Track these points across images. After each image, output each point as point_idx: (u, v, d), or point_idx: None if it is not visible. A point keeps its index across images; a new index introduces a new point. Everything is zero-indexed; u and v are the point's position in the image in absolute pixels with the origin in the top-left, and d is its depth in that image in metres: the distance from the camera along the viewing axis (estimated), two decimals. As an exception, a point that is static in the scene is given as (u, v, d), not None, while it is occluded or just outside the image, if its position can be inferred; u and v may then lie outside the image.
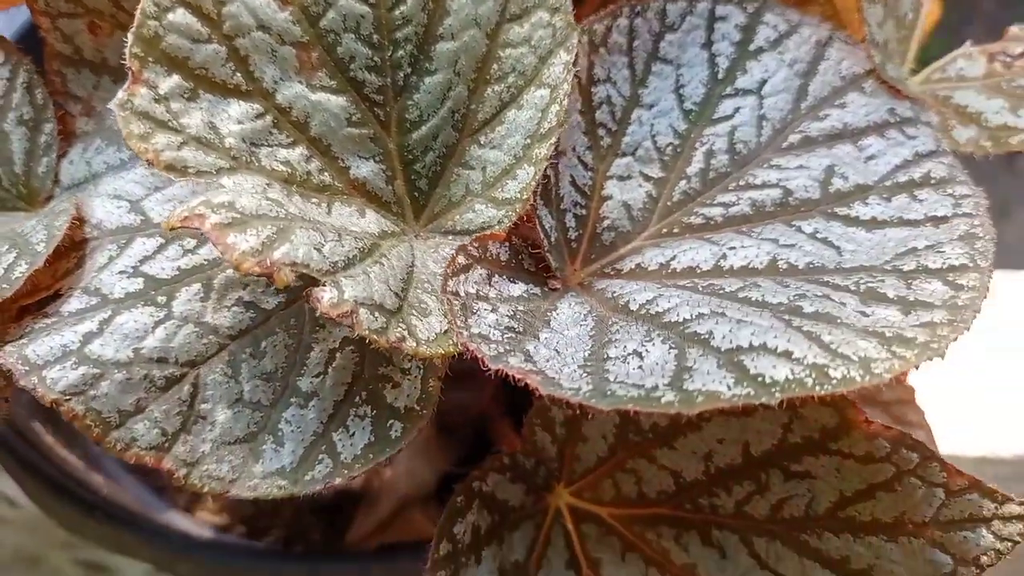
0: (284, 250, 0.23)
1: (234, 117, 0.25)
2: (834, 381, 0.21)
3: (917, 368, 0.21)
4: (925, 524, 0.26)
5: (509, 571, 0.29)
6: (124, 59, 0.28)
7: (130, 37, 0.24)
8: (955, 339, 0.22)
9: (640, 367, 0.23)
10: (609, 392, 0.22)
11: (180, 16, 0.25)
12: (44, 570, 0.70)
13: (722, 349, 0.22)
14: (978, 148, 0.31)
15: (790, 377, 0.21)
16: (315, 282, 0.23)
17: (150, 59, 0.24)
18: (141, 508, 0.40)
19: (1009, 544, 0.25)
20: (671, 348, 0.23)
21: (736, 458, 0.28)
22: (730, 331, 0.23)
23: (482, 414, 0.45)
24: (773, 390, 0.21)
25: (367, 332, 0.23)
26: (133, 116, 0.23)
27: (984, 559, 0.25)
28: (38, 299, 0.27)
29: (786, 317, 0.23)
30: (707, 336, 0.23)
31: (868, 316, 0.23)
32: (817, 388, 0.20)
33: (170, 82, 0.24)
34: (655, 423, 0.29)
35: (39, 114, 0.31)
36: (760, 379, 0.21)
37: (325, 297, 0.23)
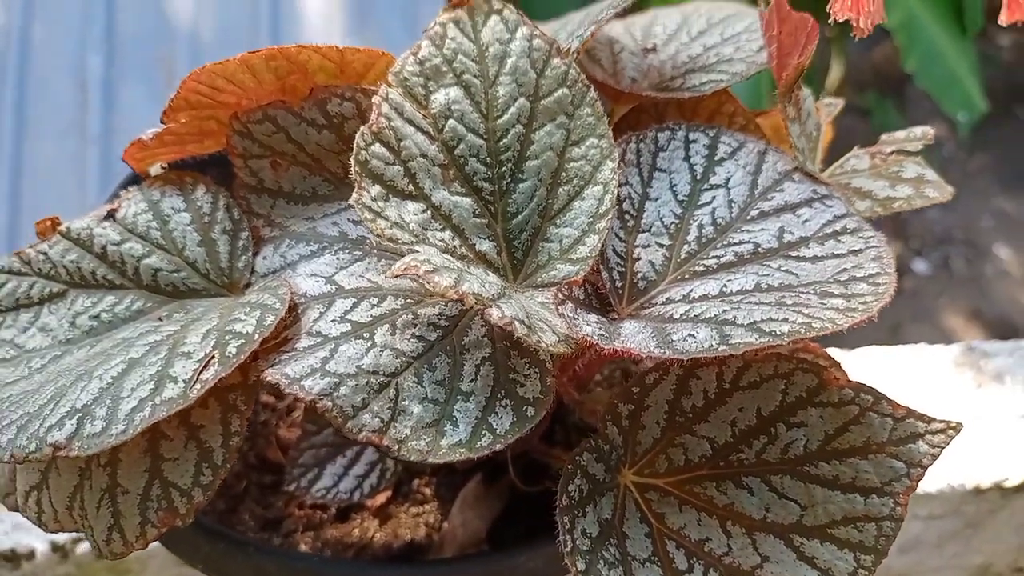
0: (466, 287, 0.36)
1: (411, 211, 0.39)
2: (815, 329, 0.35)
3: (863, 323, 0.35)
4: (883, 443, 0.39)
5: (603, 525, 0.41)
6: (298, 186, 0.41)
7: (352, 161, 0.38)
8: (876, 307, 0.36)
9: (695, 339, 0.36)
10: (684, 350, 0.35)
11: (377, 149, 0.39)
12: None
13: (745, 324, 0.36)
14: (872, 213, 0.47)
15: (790, 330, 0.35)
16: (484, 307, 0.36)
17: (363, 175, 0.38)
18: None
19: (938, 449, 0.39)
20: (712, 328, 0.37)
21: (752, 420, 0.41)
22: (747, 316, 0.37)
23: (526, 453, 0.56)
24: (783, 337, 0.34)
25: (523, 336, 0.36)
26: (362, 208, 0.37)
27: (925, 461, 0.39)
28: (269, 345, 0.39)
29: (778, 306, 0.37)
30: (733, 320, 0.37)
31: (826, 303, 0.38)
32: (807, 333, 0.34)
33: (374, 190, 0.38)
34: (694, 404, 0.42)
35: (236, 225, 0.43)
36: (773, 333, 0.35)
37: (496, 314, 0.36)
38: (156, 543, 0.58)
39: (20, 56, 1.59)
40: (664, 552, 0.41)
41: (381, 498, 0.62)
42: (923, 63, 1.74)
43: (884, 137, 0.51)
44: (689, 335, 0.37)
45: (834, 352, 0.94)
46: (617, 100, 0.55)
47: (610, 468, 0.43)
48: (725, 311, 0.38)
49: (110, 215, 0.44)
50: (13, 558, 0.77)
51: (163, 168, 0.47)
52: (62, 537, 0.77)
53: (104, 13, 1.63)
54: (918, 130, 0.51)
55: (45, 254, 0.44)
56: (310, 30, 1.63)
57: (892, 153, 0.50)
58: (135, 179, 0.56)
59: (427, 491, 0.63)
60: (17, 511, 0.45)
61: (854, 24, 0.30)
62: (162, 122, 0.42)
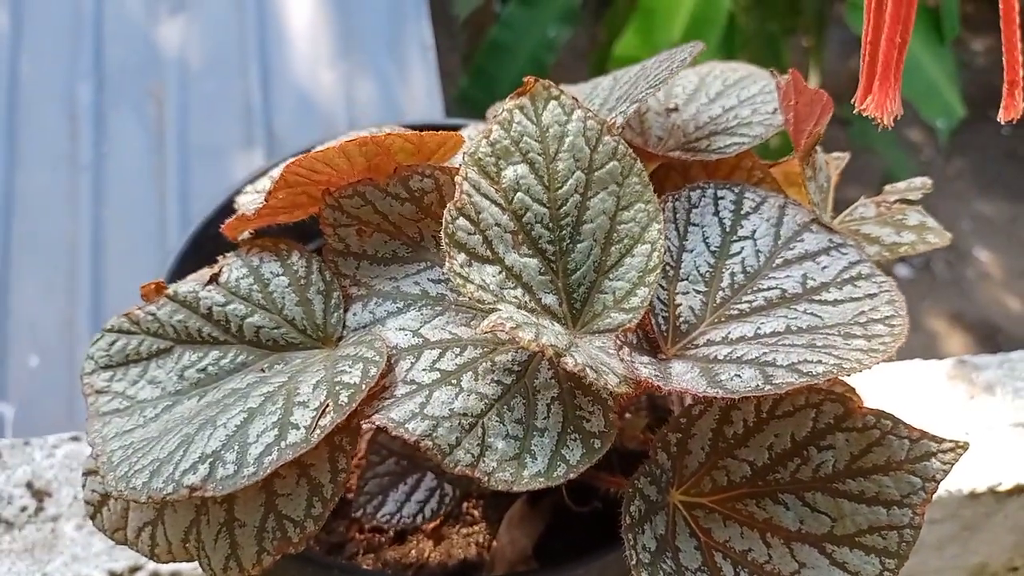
0: (544, 340, 0.42)
1: (489, 274, 0.45)
2: (845, 369, 0.41)
3: (879, 362, 0.42)
4: (902, 462, 0.46)
5: (659, 540, 0.47)
6: (380, 250, 0.47)
7: (443, 235, 0.44)
8: (895, 347, 0.43)
9: (741, 379, 0.42)
10: (734, 390, 0.41)
11: (461, 222, 0.45)
12: None
13: (785, 365, 0.42)
14: (881, 257, 0.54)
15: (824, 371, 0.41)
16: (559, 356, 0.42)
17: (451, 245, 0.44)
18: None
19: (949, 466, 0.45)
20: (756, 369, 0.43)
21: (787, 444, 0.47)
22: (785, 357, 0.43)
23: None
24: (819, 377, 0.41)
25: (593, 379, 0.42)
26: (453, 276, 0.43)
27: (938, 476, 0.45)
28: (370, 393, 0.44)
29: (810, 348, 0.44)
30: (773, 361, 0.43)
31: (850, 343, 0.44)
32: (838, 373, 0.41)
33: (460, 257, 0.44)
34: (735, 432, 0.48)
35: (328, 287, 0.49)
36: (811, 373, 0.41)
37: (570, 362, 0.42)
38: None
39: (9, 87, 1.62)
40: (712, 563, 0.47)
41: (435, 521, 0.67)
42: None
43: (887, 188, 0.58)
44: (736, 375, 0.43)
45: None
46: (646, 158, 0.61)
47: (661, 490, 0.49)
48: (764, 353, 0.44)
49: (213, 279, 0.50)
50: (74, 588, 0.82)
51: (250, 235, 0.53)
52: (119, 566, 0.82)
53: (92, 44, 1.66)
54: (917, 181, 0.57)
55: (153, 315, 0.50)
56: (297, 56, 1.68)
57: (896, 202, 0.56)
58: (202, 237, 0.61)
59: (476, 513, 0.69)
60: (125, 544, 0.50)
61: (878, 120, 0.36)
62: (266, 200, 0.47)
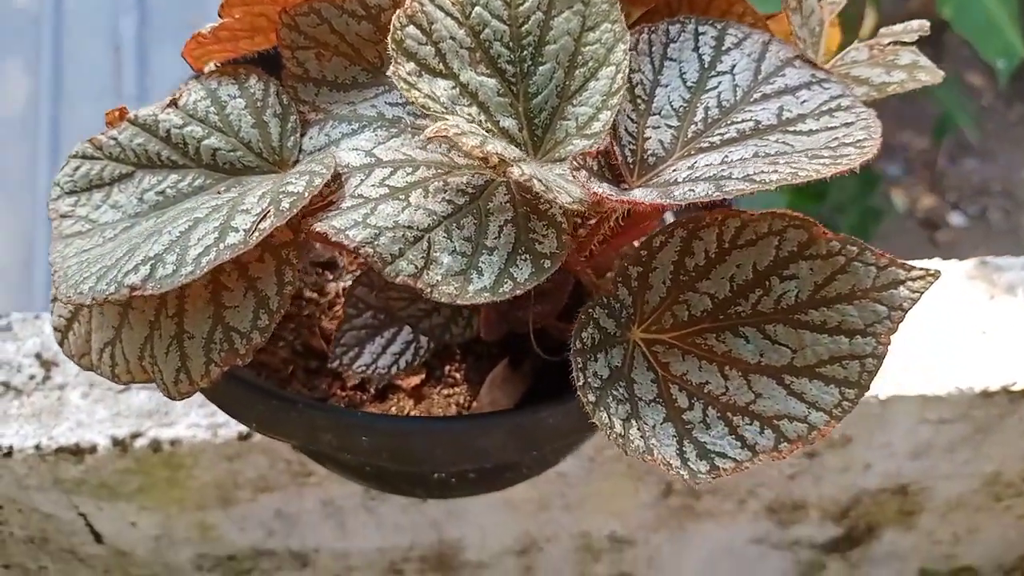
0: (490, 147, 0.40)
1: (441, 87, 0.44)
2: (801, 176, 0.39)
3: (838, 171, 0.39)
4: (867, 290, 0.44)
5: (613, 370, 0.46)
6: (340, 75, 0.46)
7: (389, 39, 0.43)
8: (859, 162, 0.40)
9: (694, 192, 0.41)
10: (681, 198, 0.39)
11: (411, 30, 0.43)
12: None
13: (740, 176, 0.40)
14: (869, 97, 0.51)
15: (778, 178, 0.39)
16: (507, 166, 0.41)
17: (399, 52, 0.43)
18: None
19: (918, 295, 0.43)
20: (710, 182, 0.41)
21: (749, 275, 0.45)
22: (740, 171, 0.41)
23: (546, 330, 0.61)
24: (771, 184, 0.39)
25: (541, 192, 0.41)
26: (398, 79, 0.42)
27: (905, 304, 0.43)
28: (316, 208, 0.44)
29: (769, 164, 0.42)
30: (728, 175, 0.41)
31: (813, 161, 0.42)
32: (792, 180, 0.39)
33: (409, 66, 0.43)
34: (696, 264, 0.46)
35: (285, 110, 0.48)
36: (763, 181, 0.39)
37: (516, 172, 0.40)
38: (224, 430, 0.62)
39: (55, 23, 1.63)
40: (668, 394, 0.46)
41: (415, 380, 0.67)
42: (960, 9, 1.72)
43: (883, 30, 0.55)
44: (689, 190, 0.41)
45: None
46: (633, 3, 0.58)
47: (620, 325, 0.48)
48: (723, 171, 0.42)
49: (173, 103, 0.49)
50: (77, 452, 0.84)
51: (217, 65, 0.52)
52: (121, 432, 0.84)
53: None
54: (915, 23, 0.54)
55: (115, 139, 0.50)
56: None
57: (889, 44, 0.53)
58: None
59: (458, 376, 0.68)
60: (92, 370, 0.51)
61: None
62: (219, 15, 0.46)
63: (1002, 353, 0.91)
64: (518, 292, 0.42)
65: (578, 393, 0.43)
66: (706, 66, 0.51)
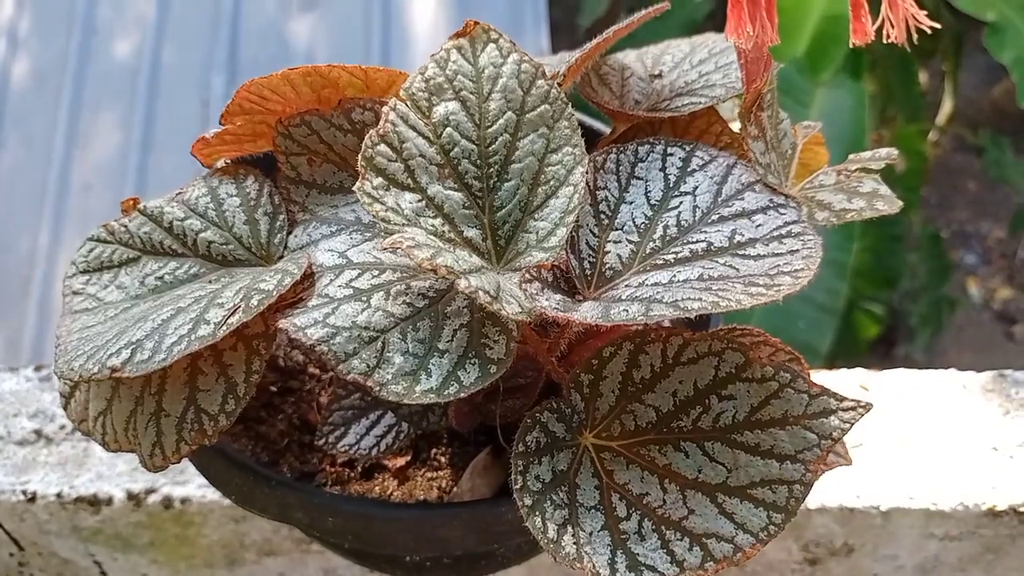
0: (440, 260, 0.44)
1: (407, 200, 0.47)
2: (721, 307, 0.41)
3: (758, 304, 0.41)
4: (799, 416, 0.45)
5: (557, 474, 0.48)
6: (328, 180, 0.50)
7: (360, 156, 0.47)
8: (783, 295, 0.42)
9: (628, 312, 0.43)
10: (613, 318, 0.42)
11: (382, 148, 0.47)
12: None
13: (667, 301, 0.43)
14: (828, 222, 0.53)
15: (700, 307, 0.41)
16: (456, 278, 0.44)
17: (368, 168, 0.47)
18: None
19: (848, 425, 0.44)
20: (642, 304, 0.43)
21: (690, 391, 0.47)
22: (672, 296, 0.43)
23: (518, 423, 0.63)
24: (691, 312, 0.41)
25: (486, 303, 0.44)
26: (362, 195, 0.46)
27: (835, 434, 0.44)
28: (287, 303, 0.47)
29: (703, 290, 0.44)
30: (660, 298, 0.43)
31: (748, 290, 0.44)
32: (713, 310, 0.41)
33: (376, 181, 0.47)
34: (643, 376, 0.49)
35: (276, 209, 0.53)
36: (685, 308, 0.41)
37: (463, 284, 0.44)
38: (212, 493, 0.66)
39: (151, 76, 1.76)
40: (609, 502, 0.48)
41: (401, 461, 0.70)
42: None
43: (851, 156, 0.57)
44: (624, 309, 0.44)
45: (861, 373, 0.98)
46: (618, 119, 0.62)
47: (571, 429, 0.50)
48: (659, 293, 0.45)
49: (177, 196, 0.54)
50: (95, 503, 0.89)
51: (226, 163, 0.57)
52: (137, 487, 0.89)
53: (229, 38, 1.79)
54: (883, 151, 0.56)
55: (125, 227, 0.55)
56: (418, 56, 1.76)
57: (856, 170, 0.55)
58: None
59: (443, 459, 0.71)
60: (89, 435, 0.55)
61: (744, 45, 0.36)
62: (220, 123, 0.52)
63: (1012, 472, 0.89)
64: (462, 395, 0.45)
65: (514, 496, 0.45)
66: (671, 185, 0.54)
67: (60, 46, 1.78)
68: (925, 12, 0.43)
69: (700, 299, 0.42)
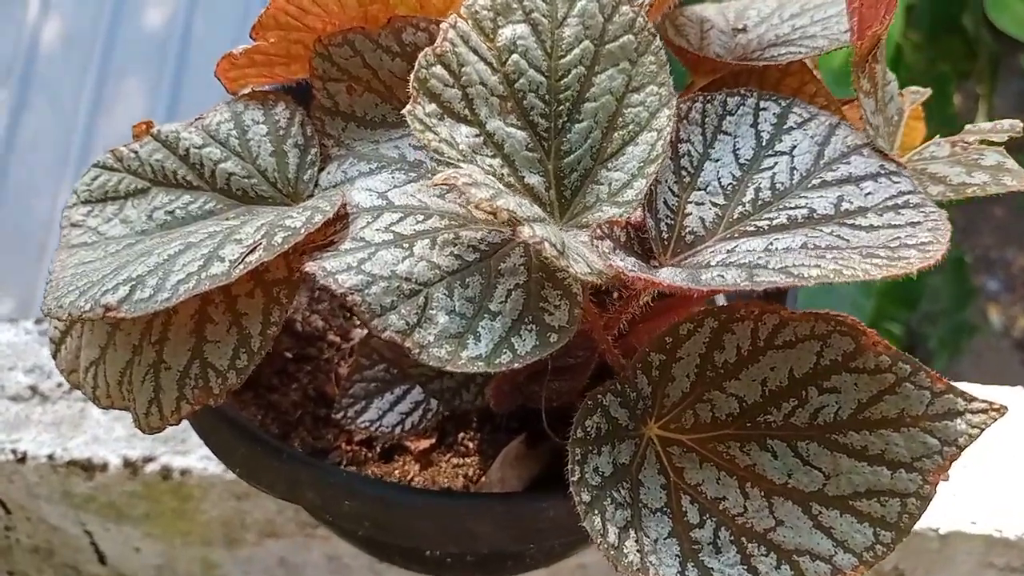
0: (501, 202, 0.37)
1: (463, 134, 0.40)
2: (845, 275, 0.34)
3: (890, 275, 0.34)
4: (918, 417, 0.38)
5: (618, 468, 0.41)
6: (369, 112, 0.43)
7: (412, 77, 0.40)
8: (918, 267, 0.35)
9: (724, 279, 0.36)
10: (708, 283, 0.35)
11: (438, 70, 0.40)
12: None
13: (776, 267, 0.35)
14: (944, 197, 0.45)
15: (819, 274, 0.34)
16: (518, 224, 0.37)
17: (421, 91, 0.40)
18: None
19: (977, 430, 0.37)
20: (743, 269, 0.36)
21: (783, 380, 0.40)
22: (779, 261, 0.36)
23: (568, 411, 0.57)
24: (809, 280, 0.34)
25: (551, 256, 0.36)
26: (413, 120, 0.38)
27: (961, 440, 0.37)
28: (316, 246, 0.40)
29: (813, 257, 0.37)
30: (765, 264, 0.36)
31: (867, 261, 0.37)
32: (835, 279, 0.33)
33: (430, 107, 0.40)
34: (726, 360, 0.41)
35: (307, 142, 0.46)
36: (800, 275, 0.34)
37: (527, 232, 0.36)
38: (212, 469, 0.59)
39: (181, 45, 1.71)
40: (678, 505, 0.40)
41: (425, 444, 0.63)
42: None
43: (968, 127, 0.49)
44: (719, 275, 0.36)
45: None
46: (697, 71, 0.55)
47: (635, 417, 0.43)
48: (760, 259, 0.37)
49: (196, 122, 0.47)
50: (89, 468, 0.83)
51: (254, 90, 0.50)
52: (134, 454, 0.82)
53: (261, 7, 1.74)
54: (1006, 123, 0.49)
55: (136, 152, 0.48)
56: None
57: (975, 142, 0.48)
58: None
59: (471, 445, 0.64)
60: (79, 388, 0.48)
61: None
62: (252, 38, 0.45)
63: (1089, 502, 0.81)
64: (516, 365, 0.38)
65: (571, 490, 0.38)
66: (763, 144, 0.46)
67: (93, 9, 1.73)
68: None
69: (819, 266, 0.35)
